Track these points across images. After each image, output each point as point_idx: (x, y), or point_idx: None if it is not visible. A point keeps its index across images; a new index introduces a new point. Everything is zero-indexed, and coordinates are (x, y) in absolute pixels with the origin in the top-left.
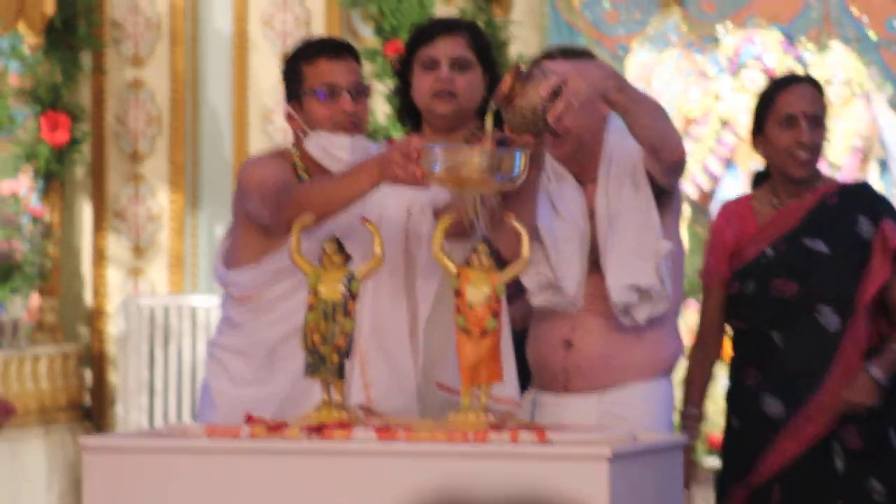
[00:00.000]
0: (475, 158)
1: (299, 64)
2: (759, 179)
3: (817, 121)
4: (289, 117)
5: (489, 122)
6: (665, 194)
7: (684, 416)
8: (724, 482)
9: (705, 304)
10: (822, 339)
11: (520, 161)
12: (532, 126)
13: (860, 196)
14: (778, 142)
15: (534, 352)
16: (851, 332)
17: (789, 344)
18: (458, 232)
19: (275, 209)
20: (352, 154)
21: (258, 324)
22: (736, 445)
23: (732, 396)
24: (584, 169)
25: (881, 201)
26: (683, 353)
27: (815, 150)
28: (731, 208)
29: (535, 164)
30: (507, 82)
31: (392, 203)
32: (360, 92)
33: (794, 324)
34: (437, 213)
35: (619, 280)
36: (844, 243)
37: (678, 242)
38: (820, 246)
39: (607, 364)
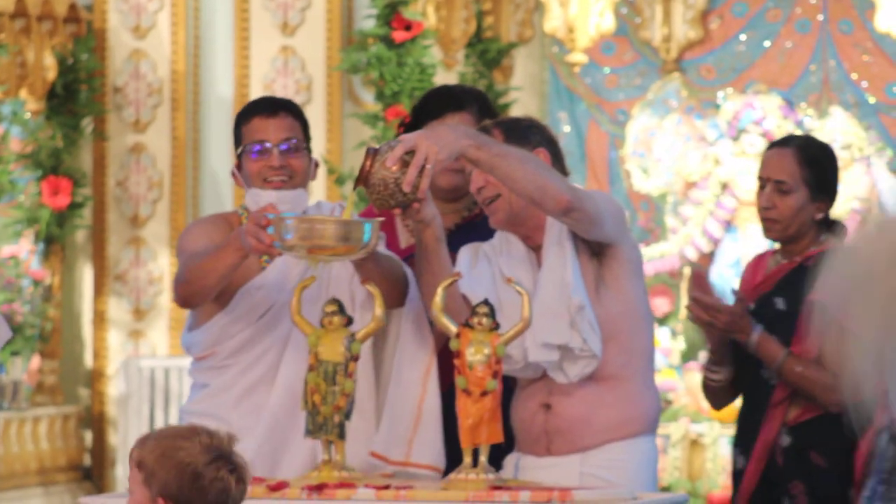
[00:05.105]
0: (327, 228)
1: (239, 124)
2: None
3: (784, 187)
4: (233, 175)
5: (351, 199)
6: (608, 247)
7: None
8: None
9: None
10: (764, 392)
11: (370, 229)
12: (391, 199)
13: None
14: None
15: (515, 416)
16: (782, 384)
17: (746, 398)
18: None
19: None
20: (281, 208)
21: (220, 381)
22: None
23: None
24: (531, 236)
25: None
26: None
27: (781, 216)
28: (755, 259)
29: (430, 230)
30: (364, 163)
31: (337, 264)
32: (291, 148)
33: (750, 378)
34: None
35: (535, 339)
36: (800, 302)
37: (641, 295)
38: (780, 304)
39: (588, 425)
